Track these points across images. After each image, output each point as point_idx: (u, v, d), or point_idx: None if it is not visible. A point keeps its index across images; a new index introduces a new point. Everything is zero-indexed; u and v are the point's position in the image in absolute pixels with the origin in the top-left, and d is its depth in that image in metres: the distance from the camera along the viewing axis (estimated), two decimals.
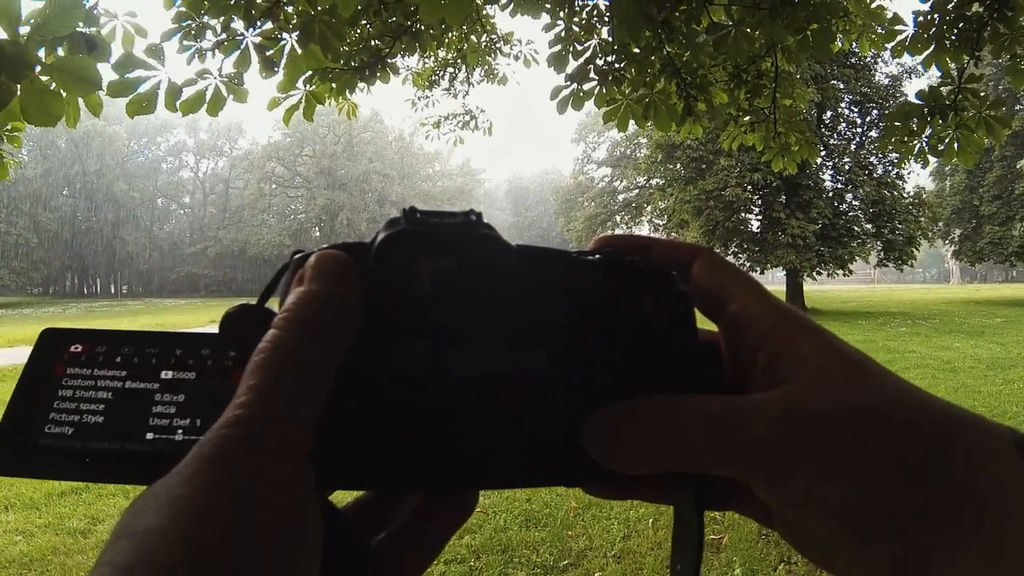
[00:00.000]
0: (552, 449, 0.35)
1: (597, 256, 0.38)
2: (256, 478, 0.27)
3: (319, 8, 3.23)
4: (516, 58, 7.21)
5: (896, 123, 4.47)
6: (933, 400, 0.32)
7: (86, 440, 0.37)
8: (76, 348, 0.40)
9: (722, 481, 0.33)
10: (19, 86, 2.04)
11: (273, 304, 0.37)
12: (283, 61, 3.34)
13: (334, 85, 4.38)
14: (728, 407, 0.33)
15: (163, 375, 0.39)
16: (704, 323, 0.40)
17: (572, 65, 4.28)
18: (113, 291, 69.41)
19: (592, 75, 4.24)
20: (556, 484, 0.37)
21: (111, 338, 0.40)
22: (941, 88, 4.32)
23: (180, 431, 0.37)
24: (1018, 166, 29.07)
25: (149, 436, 0.37)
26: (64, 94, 2.31)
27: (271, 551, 0.26)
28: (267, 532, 0.26)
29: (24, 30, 2.08)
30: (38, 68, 2.08)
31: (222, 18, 3.16)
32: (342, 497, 0.39)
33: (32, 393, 0.38)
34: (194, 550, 0.24)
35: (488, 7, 6.25)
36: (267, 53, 3.27)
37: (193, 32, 3.17)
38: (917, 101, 4.39)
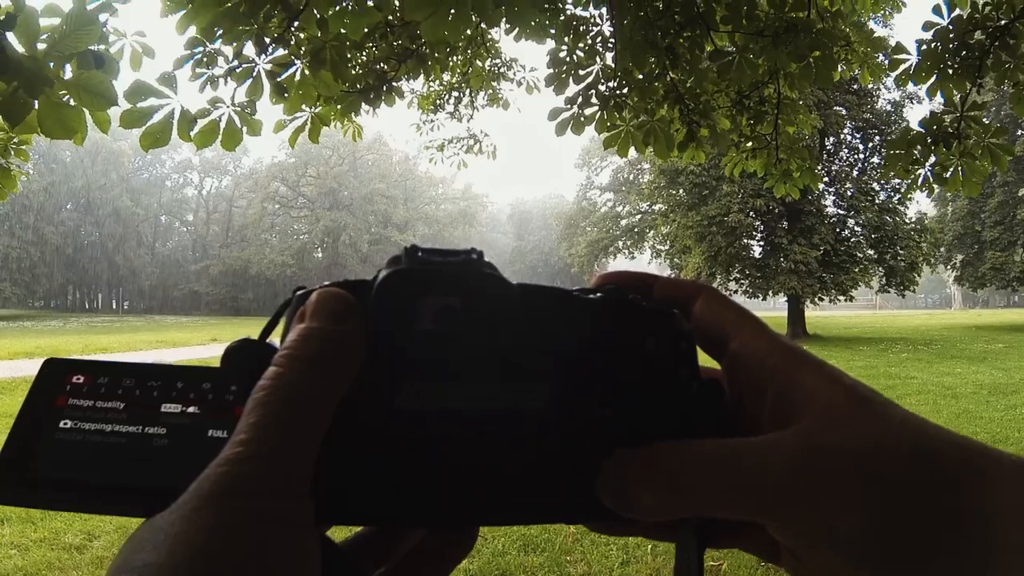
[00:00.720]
0: (553, 487, 0.35)
1: (599, 294, 0.38)
2: (256, 515, 0.27)
3: (330, 33, 3.25)
4: (519, 84, 7.26)
5: (899, 151, 4.49)
6: (940, 431, 0.32)
7: (86, 471, 0.37)
8: (78, 379, 0.39)
9: (727, 519, 0.33)
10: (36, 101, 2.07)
11: (276, 338, 0.37)
12: (294, 88, 3.36)
13: (339, 107, 4.41)
14: (742, 450, 0.33)
15: (164, 408, 0.39)
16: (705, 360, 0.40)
17: (572, 88, 4.31)
18: (114, 307, 69.46)
19: (593, 100, 4.27)
20: (557, 521, 0.36)
21: (113, 369, 0.40)
22: (944, 116, 4.34)
23: (179, 464, 0.37)
24: (1020, 193, 29.14)
25: (148, 468, 0.37)
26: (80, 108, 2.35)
27: None
28: (266, 570, 0.26)
29: (42, 47, 2.11)
30: (54, 83, 2.11)
31: (234, 44, 3.17)
32: (342, 531, 0.39)
33: (33, 423, 0.38)
34: None
35: (493, 31, 6.30)
36: (278, 80, 3.28)
37: (206, 60, 3.19)
38: (919, 129, 4.41)
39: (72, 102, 2.19)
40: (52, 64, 2.16)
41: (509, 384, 0.35)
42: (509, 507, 0.36)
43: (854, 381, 0.34)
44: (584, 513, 0.37)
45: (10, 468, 0.37)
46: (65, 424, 0.38)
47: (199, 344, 19.56)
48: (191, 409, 0.39)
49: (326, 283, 0.36)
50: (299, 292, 0.37)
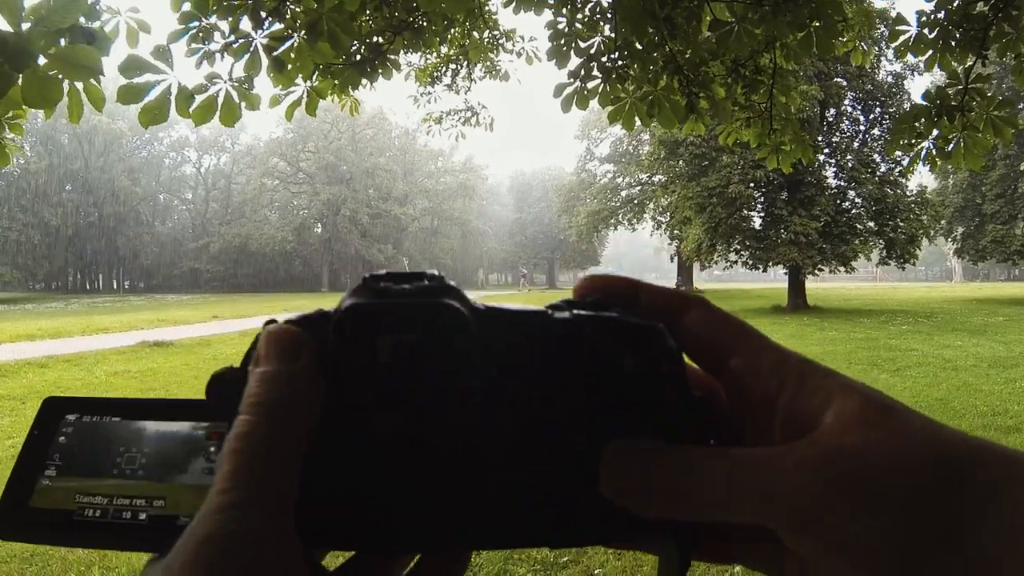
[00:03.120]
0: (532, 514, 0.35)
1: (575, 311, 0.37)
2: (249, 561, 0.29)
3: (325, 4, 3.22)
4: (518, 55, 7.21)
5: (904, 126, 4.46)
6: (959, 435, 0.31)
7: (79, 508, 0.39)
8: (72, 417, 0.42)
9: (726, 533, 0.33)
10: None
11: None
12: (292, 60, 3.33)
13: (336, 81, 4.38)
14: (755, 454, 0.32)
15: (147, 447, 0.41)
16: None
17: (575, 62, 4.27)
18: (115, 287, 69.58)
19: (596, 72, 4.24)
20: (537, 546, 0.36)
21: (103, 406, 0.42)
22: (948, 88, 4.30)
23: (162, 499, 0.39)
24: (1022, 166, 29.02)
25: (136, 503, 0.39)
26: (64, 81, 2.36)
27: None
28: None
29: (27, 25, 2.10)
30: (41, 58, 2.11)
31: (230, 19, 3.14)
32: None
33: (31, 462, 0.40)
34: None
35: (490, 3, 6.24)
36: (275, 53, 3.25)
37: (201, 34, 3.16)
38: (923, 102, 4.37)
39: (60, 75, 2.20)
40: (43, 40, 2.16)
41: (480, 413, 0.35)
42: (488, 532, 0.35)
43: (869, 389, 0.33)
44: (566, 539, 0.36)
45: (9, 506, 0.39)
46: (59, 462, 0.40)
47: (200, 322, 19.52)
48: (173, 444, 0.41)
49: (292, 317, 0.37)
50: (269, 325, 0.38)
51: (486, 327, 0.35)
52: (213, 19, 3.15)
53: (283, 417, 0.33)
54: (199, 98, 3.13)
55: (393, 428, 0.35)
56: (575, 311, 0.37)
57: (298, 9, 3.37)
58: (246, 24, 3.19)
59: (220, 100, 3.21)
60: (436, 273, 0.36)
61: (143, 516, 0.39)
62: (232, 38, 3.18)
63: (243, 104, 3.26)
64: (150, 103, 2.90)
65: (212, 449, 0.40)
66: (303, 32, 3.27)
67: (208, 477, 0.39)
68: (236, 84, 3.23)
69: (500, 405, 0.35)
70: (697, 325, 0.38)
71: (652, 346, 0.36)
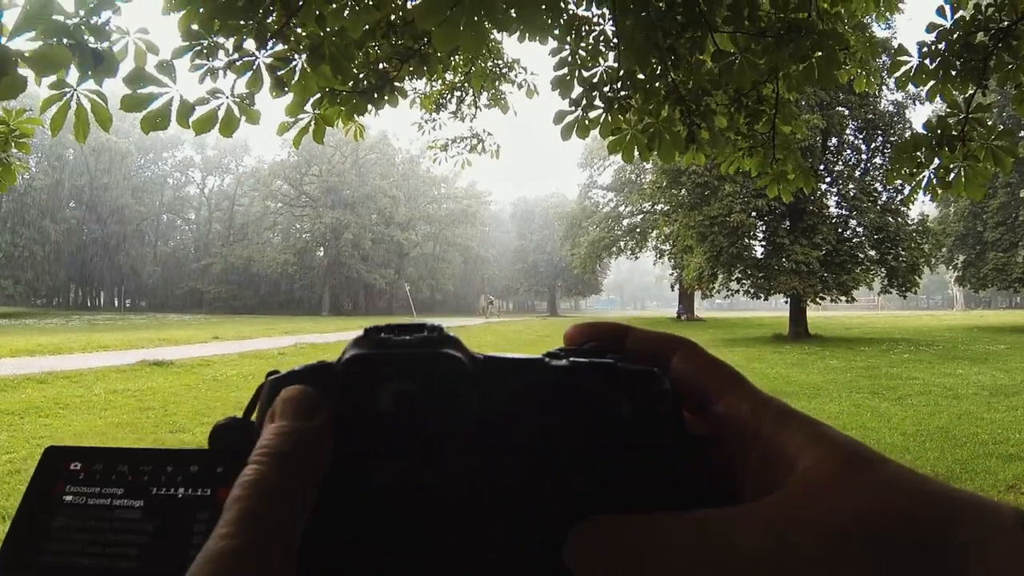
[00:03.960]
0: (534, 559, 0.35)
1: (571, 359, 0.38)
2: None
3: (329, 29, 3.27)
4: (520, 86, 7.26)
5: (904, 155, 4.48)
6: (930, 484, 0.30)
7: (84, 560, 0.39)
8: (75, 466, 0.42)
9: None
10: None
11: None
12: (294, 82, 3.37)
13: (344, 109, 4.41)
14: (718, 519, 0.31)
15: (154, 493, 0.40)
16: None
17: (577, 91, 4.30)
18: (116, 304, 69.62)
19: (598, 102, 4.26)
20: None
21: (108, 456, 0.42)
22: (948, 118, 4.33)
23: (172, 549, 0.39)
24: (1022, 194, 29.11)
25: (143, 554, 0.39)
26: (73, 102, 2.39)
27: None
28: None
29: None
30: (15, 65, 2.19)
31: (234, 37, 3.19)
32: None
33: (34, 513, 0.40)
34: None
35: (495, 32, 6.30)
36: (278, 73, 3.30)
37: (205, 51, 3.21)
38: (924, 132, 4.40)
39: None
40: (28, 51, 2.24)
41: (480, 459, 0.35)
42: (493, 574, 0.36)
43: (843, 439, 0.33)
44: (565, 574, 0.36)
45: (12, 559, 0.39)
46: (63, 512, 0.40)
47: (200, 342, 19.48)
48: (180, 492, 0.41)
49: (296, 368, 0.38)
50: (271, 377, 0.39)
51: (486, 375, 0.36)
52: (218, 38, 3.20)
53: (292, 468, 0.33)
54: (200, 110, 3.19)
55: (399, 474, 0.35)
56: (572, 359, 0.38)
57: (302, 32, 3.41)
58: (251, 44, 3.24)
59: (220, 113, 3.28)
60: (436, 324, 0.37)
61: (147, 567, 0.38)
62: (236, 56, 3.23)
63: (243, 118, 3.32)
64: (152, 112, 2.98)
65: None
66: (306, 55, 3.31)
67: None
68: (237, 100, 3.28)
69: (503, 451, 0.36)
70: (683, 369, 0.38)
71: (649, 390, 0.37)
